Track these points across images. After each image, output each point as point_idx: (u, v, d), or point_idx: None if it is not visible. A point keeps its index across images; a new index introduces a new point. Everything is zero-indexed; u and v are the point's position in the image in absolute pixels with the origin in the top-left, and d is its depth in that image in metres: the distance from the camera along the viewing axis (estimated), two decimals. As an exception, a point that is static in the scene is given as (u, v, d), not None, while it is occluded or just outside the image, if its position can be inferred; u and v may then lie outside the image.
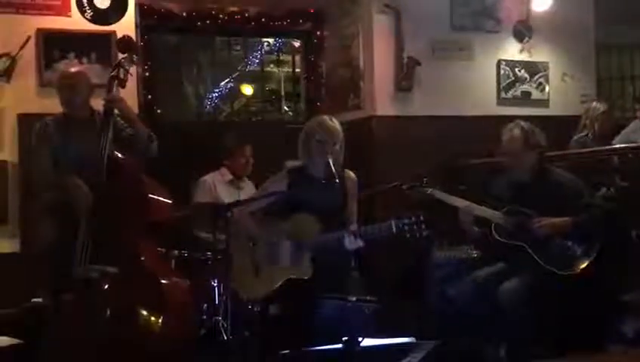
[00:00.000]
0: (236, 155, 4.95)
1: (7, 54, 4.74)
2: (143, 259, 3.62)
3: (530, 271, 3.81)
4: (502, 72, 5.86)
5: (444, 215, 4.04)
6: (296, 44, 6.46)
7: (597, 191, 4.48)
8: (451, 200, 3.99)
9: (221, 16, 5.71)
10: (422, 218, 3.45)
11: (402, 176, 4.53)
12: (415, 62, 5.51)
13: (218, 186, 4.87)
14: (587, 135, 5.26)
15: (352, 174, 3.88)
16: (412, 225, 3.45)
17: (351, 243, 3.56)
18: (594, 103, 5.59)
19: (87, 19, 4.97)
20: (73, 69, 4.23)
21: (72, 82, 3.92)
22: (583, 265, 3.78)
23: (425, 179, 4.08)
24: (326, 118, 3.84)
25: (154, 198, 3.72)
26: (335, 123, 3.80)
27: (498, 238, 3.89)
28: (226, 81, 7.01)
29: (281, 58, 6.77)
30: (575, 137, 5.32)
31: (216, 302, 4.03)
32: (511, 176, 4.06)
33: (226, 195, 4.75)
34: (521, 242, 3.84)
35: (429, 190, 4.04)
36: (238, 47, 6.69)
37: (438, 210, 4.00)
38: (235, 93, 7.09)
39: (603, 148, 5.06)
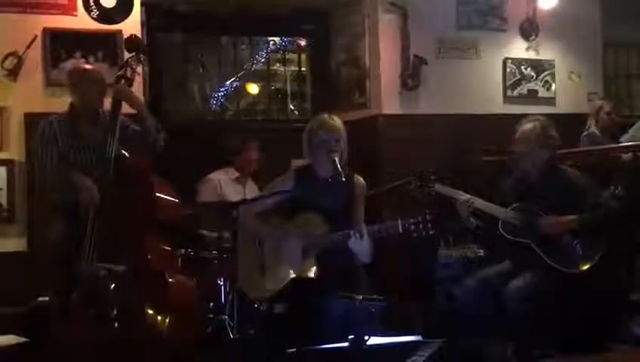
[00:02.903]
0: (243, 153, 4.95)
1: (13, 53, 4.75)
2: (149, 257, 3.62)
3: (537, 270, 3.79)
4: (508, 70, 5.85)
5: (452, 213, 4.02)
6: (303, 42, 6.45)
7: (605, 189, 4.47)
8: (455, 194, 3.98)
9: (227, 15, 5.70)
10: (428, 217, 3.44)
11: (409, 174, 4.52)
12: (421, 61, 5.51)
13: (224, 185, 4.87)
14: (594, 132, 5.27)
15: (361, 180, 3.85)
16: (418, 224, 3.44)
17: (356, 243, 3.55)
18: (599, 101, 5.60)
19: (93, 18, 4.98)
20: (88, 66, 4.25)
21: (94, 78, 3.93)
22: (589, 264, 3.77)
23: (432, 177, 4.06)
24: (326, 116, 3.82)
25: (161, 197, 3.73)
26: (336, 120, 3.78)
27: (505, 235, 3.88)
28: (232, 79, 6.98)
29: (287, 57, 6.75)
30: (585, 133, 5.33)
31: (223, 301, 4.03)
32: (522, 171, 4.04)
33: (232, 194, 4.75)
34: (528, 239, 3.83)
35: (435, 186, 4.02)
36: (244, 46, 6.68)
37: (446, 209, 3.99)
38: (241, 91, 7.06)
39: (611, 146, 5.05)
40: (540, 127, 3.98)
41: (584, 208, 3.83)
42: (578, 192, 3.91)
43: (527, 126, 4.00)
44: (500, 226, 3.89)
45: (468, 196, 3.95)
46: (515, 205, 3.90)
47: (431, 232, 3.45)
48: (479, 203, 3.92)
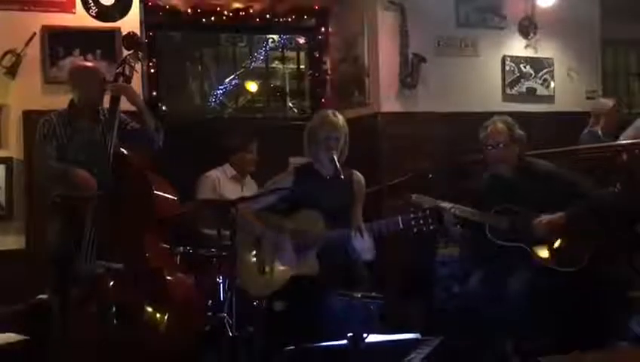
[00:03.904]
0: (242, 153, 4.95)
1: (12, 51, 4.74)
2: (148, 255, 3.62)
3: (535, 268, 3.79)
4: (507, 68, 5.85)
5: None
6: (301, 40, 6.45)
7: (606, 187, 4.47)
8: (433, 203, 3.89)
9: (226, 12, 5.71)
10: (428, 213, 3.44)
11: (407, 172, 4.52)
12: (420, 59, 5.50)
13: (222, 182, 4.87)
14: (597, 131, 5.28)
15: (360, 177, 3.85)
16: (418, 220, 3.44)
17: (359, 241, 3.55)
18: (601, 99, 5.59)
19: (91, 16, 4.98)
20: (88, 63, 4.25)
21: (94, 75, 3.94)
22: (585, 261, 3.77)
23: (430, 176, 4.06)
24: (329, 112, 3.83)
25: (160, 195, 3.73)
26: (339, 117, 3.78)
27: (494, 240, 3.86)
28: (231, 77, 6.99)
29: (286, 55, 6.75)
30: (585, 130, 5.33)
31: (221, 299, 4.03)
32: (496, 173, 4.04)
33: (230, 192, 4.75)
34: (519, 243, 3.82)
35: (413, 196, 3.96)
36: (243, 44, 6.68)
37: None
38: (240, 89, 7.07)
39: (610, 143, 5.06)
40: (508, 125, 3.98)
41: (571, 198, 3.82)
42: (559, 182, 3.90)
43: (494, 125, 3.99)
44: (487, 231, 3.87)
45: (450, 204, 3.92)
46: (496, 208, 3.88)
47: (431, 228, 3.45)
48: (461, 210, 3.90)
